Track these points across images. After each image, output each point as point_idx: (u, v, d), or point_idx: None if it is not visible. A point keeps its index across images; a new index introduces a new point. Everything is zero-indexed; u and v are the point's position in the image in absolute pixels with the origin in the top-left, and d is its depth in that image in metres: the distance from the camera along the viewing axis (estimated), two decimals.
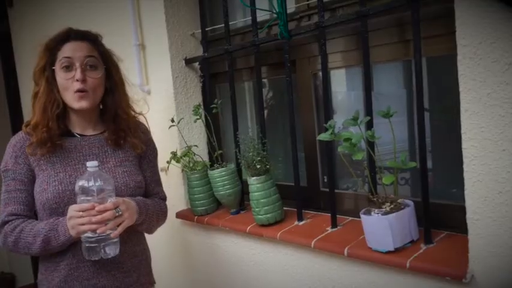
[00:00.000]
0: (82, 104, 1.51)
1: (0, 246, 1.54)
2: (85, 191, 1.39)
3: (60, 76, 1.51)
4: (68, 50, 1.51)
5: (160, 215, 1.69)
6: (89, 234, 1.40)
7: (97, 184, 1.39)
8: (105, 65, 1.58)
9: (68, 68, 1.50)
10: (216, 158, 2.11)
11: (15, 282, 4.33)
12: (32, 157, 1.53)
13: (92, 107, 1.56)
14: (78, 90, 1.50)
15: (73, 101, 1.51)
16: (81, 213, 1.38)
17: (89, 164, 1.40)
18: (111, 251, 1.44)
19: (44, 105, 1.51)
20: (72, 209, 1.40)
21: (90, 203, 1.38)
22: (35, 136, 1.51)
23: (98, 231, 1.38)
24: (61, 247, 1.48)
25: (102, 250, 1.42)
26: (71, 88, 1.50)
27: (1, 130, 4.12)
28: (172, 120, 2.12)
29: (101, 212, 1.37)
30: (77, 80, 1.49)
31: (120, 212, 1.43)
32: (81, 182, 1.40)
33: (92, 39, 1.56)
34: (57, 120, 1.53)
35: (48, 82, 1.52)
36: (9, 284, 4.26)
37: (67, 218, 1.42)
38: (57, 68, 1.51)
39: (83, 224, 1.38)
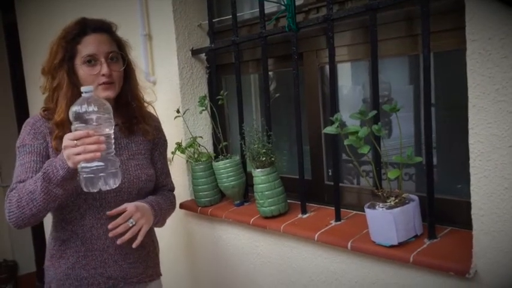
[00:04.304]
0: (109, 94, 1.52)
1: (7, 221, 1.44)
2: (79, 117, 1.29)
3: (84, 71, 1.50)
4: (90, 45, 1.49)
5: (171, 209, 1.72)
6: (86, 164, 1.30)
7: (93, 110, 1.29)
8: (123, 55, 1.58)
9: (91, 62, 1.50)
10: (220, 150, 2.12)
11: (18, 270, 4.36)
12: (49, 137, 1.51)
13: (115, 96, 1.57)
14: (105, 82, 1.50)
15: (99, 92, 1.50)
16: (75, 141, 1.28)
17: (83, 89, 1.31)
18: (110, 181, 1.33)
19: (69, 101, 1.47)
20: (67, 138, 1.31)
21: (85, 131, 1.27)
22: (60, 131, 1.48)
23: (110, 234, 1.40)
24: (62, 186, 1.36)
25: (101, 181, 1.32)
26: (95, 81, 1.50)
27: (6, 119, 4.14)
28: (178, 111, 2.12)
29: (97, 141, 1.27)
30: (103, 75, 1.49)
31: (133, 223, 1.45)
32: (75, 108, 1.29)
33: (109, 30, 1.56)
34: None
35: (69, 76, 1.50)
36: (11, 271, 4.29)
37: (62, 147, 1.33)
38: (79, 62, 1.50)
39: (78, 154, 1.27)
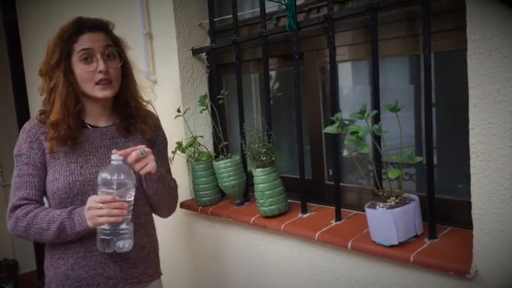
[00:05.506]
0: (106, 93, 1.52)
1: (9, 232, 1.52)
2: (107, 183, 1.40)
3: (81, 68, 1.49)
4: (86, 41, 1.49)
5: (171, 190, 1.68)
6: (105, 227, 1.41)
7: (120, 178, 1.40)
8: (120, 51, 1.58)
9: (87, 59, 1.49)
10: (221, 149, 2.12)
11: (18, 269, 4.37)
12: (46, 143, 1.52)
13: (113, 95, 1.56)
14: (102, 81, 1.50)
15: (96, 90, 1.51)
16: (100, 204, 1.38)
17: (113, 157, 1.41)
18: (125, 245, 1.45)
19: (64, 101, 1.49)
20: (93, 200, 1.41)
21: (111, 196, 1.38)
22: (55, 132, 1.49)
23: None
24: (75, 236, 1.47)
25: (117, 243, 1.43)
26: (93, 79, 1.50)
27: (7, 119, 4.14)
28: (179, 111, 2.12)
29: (120, 206, 1.39)
30: (100, 72, 1.49)
31: (144, 154, 1.45)
32: (104, 175, 1.40)
33: (105, 29, 1.56)
34: (77, 116, 1.53)
35: (66, 75, 1.50)
36: (12, 270, 4.29)
37: (86, 208, 1.43)
38: (76, 60, 1.49)
39: (101, 216, 1.38)
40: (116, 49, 1.55)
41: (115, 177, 1.40)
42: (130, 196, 1.44)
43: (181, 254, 2.37)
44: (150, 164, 1.48)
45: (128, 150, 1.44)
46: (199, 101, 2.14)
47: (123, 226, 1.43)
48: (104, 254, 1.52)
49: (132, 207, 1.45)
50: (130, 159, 1.43)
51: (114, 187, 1.40)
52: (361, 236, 1.57)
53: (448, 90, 1.63)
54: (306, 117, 1.93)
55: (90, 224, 1.42)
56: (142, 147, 1.47)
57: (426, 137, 1.44)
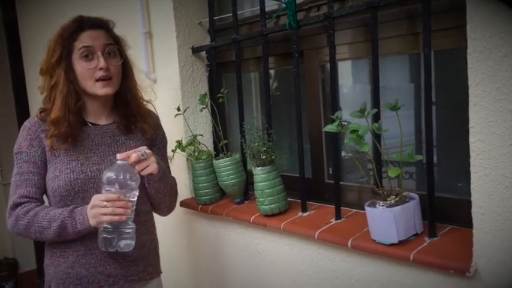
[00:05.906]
0: (107, 90, 1.52)
1: (9, 230, 1.52)
2: (111, 182, 1.40)
3: (82, 65, 1.50)
4: (87, 39, 1.50)
5: (173, 188, 1.69)
6: (108, 225, 1.42)
7: (125, 178, 1.41)
8: (120, 49, 1.58)
9: (88, 57, 1.50)
10: (221, 148, 2.12)
11: (18, 268, 4.37)
12: (46, 141, 1.52)
13: (114, 93, 1.57)
14: (103, 78, 1.50)
15: (97, 88, 1.51)
16: (105, 203, 1.39)
17: (119, 157, 1.42)
18: (127, 243, 1.46)
19: (65, 99, 1.49)
20: (97, 199, 1.41)
21: (116, 195, 1.39)
22: (55, 130, 1.50)
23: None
24: (76, 235, 1.47)
25: (119, 243, 1.44)
26: (93, 76, 1.50)
27: (7, 118, 4.14)
28: (178, 109, 2.12)
29: (125, 205, 1.40)
30: (101, 69, 1.49)
31: (145, 155, 1.45)
32: (109, 174, 1.41)
33: (106, 27, 1.56)
34: (77, 114, 1.53)
35: (66, 73, 1.50)
36: (12, 269, 4.30)
37: (89, 206, 1.43)
38: (76, 57, 1.50)
39: (105, 214, 1.39)
40: (116, 47, 1.56)
41: (120, 176, 1.40)
42: (134, 196, 1.44)
43: (181, 252, 2.37)
44: (151, 166, 1.48)
45: (129, 152, 1.44)
46: (199, 100, 2.14)
47: (126, 225, 1.44)
48: (104, 251, 1.52)
49: (135, 207, 1.45)
50: (131, 160, 1.43)
51: (119, 186, 1.41)
52: (361, 234, 1.57)
53: (448, 89, 1.63)
54: (306, 116, 1.93)
55: (93, 222, 1.42)
56: (144, 149, 1.47)
57: (426, 136, 1.44)
